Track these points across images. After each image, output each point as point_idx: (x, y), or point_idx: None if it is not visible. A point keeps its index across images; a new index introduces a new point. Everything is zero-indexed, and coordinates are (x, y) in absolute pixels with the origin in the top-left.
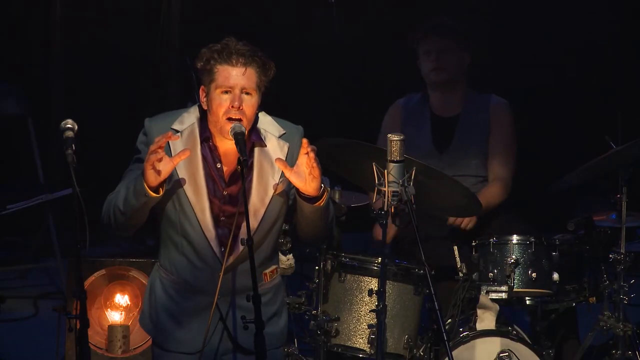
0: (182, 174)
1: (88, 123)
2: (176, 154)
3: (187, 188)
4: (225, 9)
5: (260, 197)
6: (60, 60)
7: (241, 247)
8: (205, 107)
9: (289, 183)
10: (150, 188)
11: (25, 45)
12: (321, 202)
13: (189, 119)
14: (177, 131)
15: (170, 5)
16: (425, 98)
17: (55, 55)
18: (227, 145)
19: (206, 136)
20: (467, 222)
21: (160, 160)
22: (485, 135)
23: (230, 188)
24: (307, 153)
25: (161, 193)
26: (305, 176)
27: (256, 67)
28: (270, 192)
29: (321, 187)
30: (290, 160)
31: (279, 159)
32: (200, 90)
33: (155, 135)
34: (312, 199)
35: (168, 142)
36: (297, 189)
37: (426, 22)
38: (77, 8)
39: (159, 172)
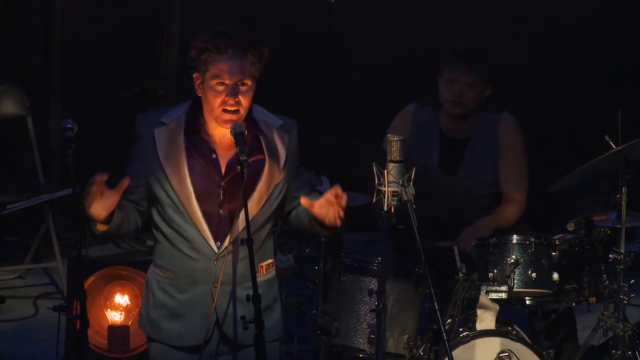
0: (167, 167)
1: (88, 123)
2: (118, 186)
3: (173, 180)
4: (225, 9)
5: (267, 185)
6: (60, 60)
7: (239, 239)
8: (199, 94)
9: (288, 172)
10: (102, 221)
11: (25, 45)
12: (333, 231)
13: (177, 112)
14: (164, 124)
15: (170, 5)
16: (436, 115)
17: (54, 55)
18: (222, 133)
19: (196, 128)
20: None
21: (92, 204)
22: (495, 158)
23: (228, 178)
24: (337, 196)
25: (115, 218)
26: (328, 214)
27: (251, 57)
28: (275, 180)
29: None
30: (289, 151)
31: (304, 199)
32: (195, 76)
33: (144, 130)
34: (326, 227)
35: (153, 134)
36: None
37: (458, 48)
38: (77, 8)
39: (97, 209)
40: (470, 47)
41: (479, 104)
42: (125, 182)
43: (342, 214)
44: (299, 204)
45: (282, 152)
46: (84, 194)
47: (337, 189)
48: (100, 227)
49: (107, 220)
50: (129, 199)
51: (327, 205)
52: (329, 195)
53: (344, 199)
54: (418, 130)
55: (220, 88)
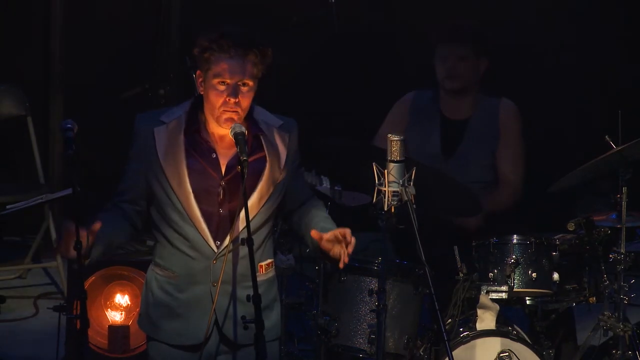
0: (166, 166)
1: (88, 123)
2: (90, 229)
3: (172, 180)
4: (224, 9)
5: (268, 186)
6: (60, 60)
7: (239, 239)
8: (201, 92)
9: (289, 172)
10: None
11: (25, 45)
12: (334, 263)
13: (177, 111)
14: (164, 123)
15: (170, 5)
16: (436, 98)
17: (54, 55)
18: (222, 132)
19: (196, 127)
20: (474, 225)
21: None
22: (494, 141)
23: (228, 177)
24: (345, 237)
25: (95, 250)
26: (333, 250)
27: (254, 58)
28: (276, 179)
29: None
30: (290, 150)
31: (314, 231)
32: (197, 74)
33: (144, 129)
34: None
35: (153, 132)
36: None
37: (445, 25)
38: (77, 7)
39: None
40: (458, 23)
41: (476, 78)
42: (97, 226)
43: (347, 259)
44: (300, 206)
45: (282, 152)
46: (55, 243)
47: (347, 232)
48: (84, 260)
49: (87, 255)
50: (127, 199)
51: (334, 241)
52: (337, 233)
53: (351, 245)
54: (418, 114)
55: (222, 87)
